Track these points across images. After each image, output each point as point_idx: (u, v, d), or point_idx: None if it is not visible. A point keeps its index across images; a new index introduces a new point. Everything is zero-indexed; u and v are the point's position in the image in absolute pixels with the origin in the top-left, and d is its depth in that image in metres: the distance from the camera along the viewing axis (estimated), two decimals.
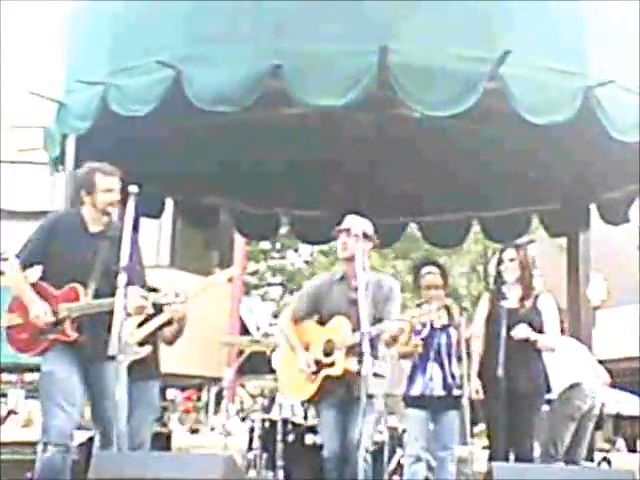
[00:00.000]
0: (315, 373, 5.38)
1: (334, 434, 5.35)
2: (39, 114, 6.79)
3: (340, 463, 5.28)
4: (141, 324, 5.84)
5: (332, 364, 5.33)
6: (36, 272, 5.03)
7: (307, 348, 5.49)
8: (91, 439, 5.60)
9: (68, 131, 6.32)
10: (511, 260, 5.93)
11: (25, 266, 5.01)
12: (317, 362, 5.39)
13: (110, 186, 4.99)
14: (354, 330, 5.17)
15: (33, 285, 4.95)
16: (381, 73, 5.41)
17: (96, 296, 4.87)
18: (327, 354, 5.37)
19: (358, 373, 4.80)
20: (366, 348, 4.78)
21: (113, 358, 4.52)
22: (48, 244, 4.98)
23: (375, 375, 5.14)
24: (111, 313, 4.65)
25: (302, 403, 7.50)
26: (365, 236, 5.41)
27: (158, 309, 5.63)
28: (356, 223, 5.47)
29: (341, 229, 5.48)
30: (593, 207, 8.22)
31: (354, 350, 5.08)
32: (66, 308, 4.86)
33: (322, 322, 5.53)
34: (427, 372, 6.03)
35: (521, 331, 5.69)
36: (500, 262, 6.02)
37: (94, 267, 4.86)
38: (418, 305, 5.86)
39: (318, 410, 5.63)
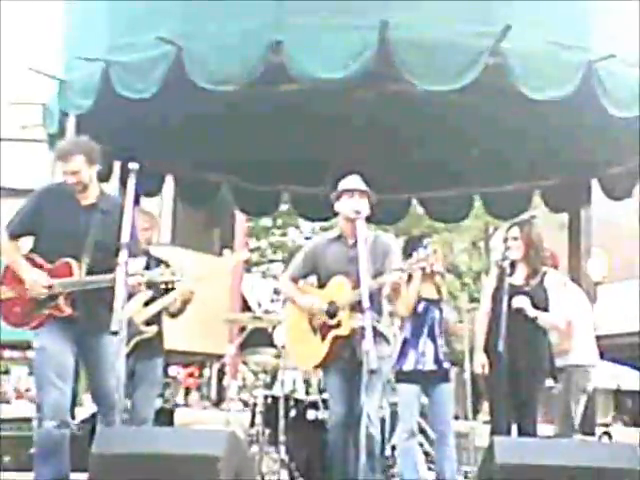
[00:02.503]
0: (323, 336, 5.35)
1: (340, 401, 5.34)
2: (41, 90, 6.77)
3: (345, 432, 5.28)
4: (147, 303, 5.85)
5: (338, 325, 5.30)
6: (27, 244, 4.99)
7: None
8: (94, 415, 5.63)
9: (70, 109, 6.30)
10: (515, 239, 5.93)
11: (15, 237, 4.96)
12: (323, 325, 5.36)
13: (63, 169, 4.91)
14: (354, 288, 5.15)
15: (25, 257, 4.92)
16: (381, 48, 5.40)
17: (89, 271, 4.83)
18: (332, 316, 5.35)
19: (363, 329, 4.76)
20: (368, 324, 4.78)
21: (115, 333, 4.47)
22: (38, 215, 4.94)
23: (379, 335, 5.15)
24: (106, 288, 4.64)
25: (304, 377, 7.54)
26: (367, 196, 5.41)
27: (165, 289, 5.64)
28: (360, 183, 5.46)
29: (346, 189, 5.44)
30: (594, 182, 8.22)
31: (357, 308, 5.04)
32: (60, 284, 4.83)
33: (321, 284, 5.51)
34: (419, 347, 6.05)
35: (518, 301, 5.71)
36: (505, 240, 6.03)
37: (87, 241, 4.82)
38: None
39: (326, 377, 5.60)
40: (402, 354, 6.08)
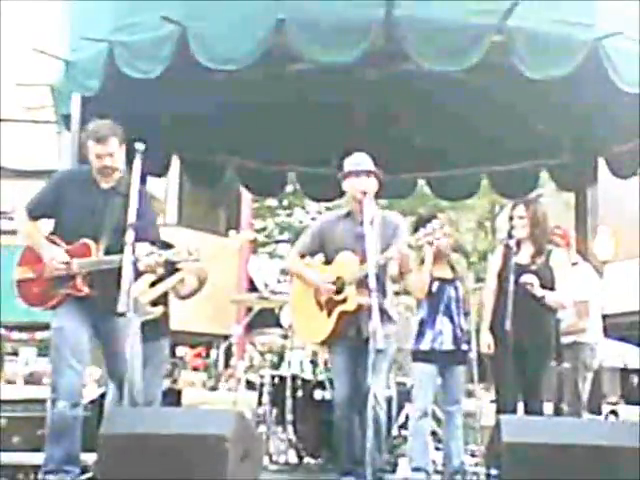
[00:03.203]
0: (329, 312, 5.35)
1: (345, 380, 5.34)
2: (45, 72, 6.75)
3: (351, 409, 5.29)
4: (153, 284, 5.86)
5: (345, 300, 5.29)
6: (47, 225, 5.05)
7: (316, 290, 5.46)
8: (102, 395, 5.66)
9: (76, 90, 6.28)
10: (520, 217, 5.92)
11: (34, 218, 5.03)
12: (329, 301, 5.35)
13: (100, 152, 4.94)
14: (361, 264, 5.14)
15: (45, 239, 4.98)
16: (387, 27, 5.36)
17: (107, 252, 4.89)
18: (338, 291, 5.33)
19: (370, 309, 4.77)
20: (375, 305, 4.78)
21: (123, 315, 4.54)
22: (58, 197, 5.00)
23: (384, 314, 5.14)
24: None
25: (311, 357, 7.55)
26: (375, 175, 5.41)
27: (171, 269, 5.65)
28: (367, 162, 5.44)
29: (353, 170, 5.41)
30: (601, 161, 8.19)
31: (364, 284, 5.03)
32: (78, 263, 4.88)
33: (328, 261, 5.49)
34: (436, 326, 6.04)
35: (527, 279, 5.71)
36: (511, 218, 6.02)
37: (105, 223, 4.88)
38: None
39: (331, 355, 5.60)
40: (419, 334, 6.08)
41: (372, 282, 4.86)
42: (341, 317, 5.31)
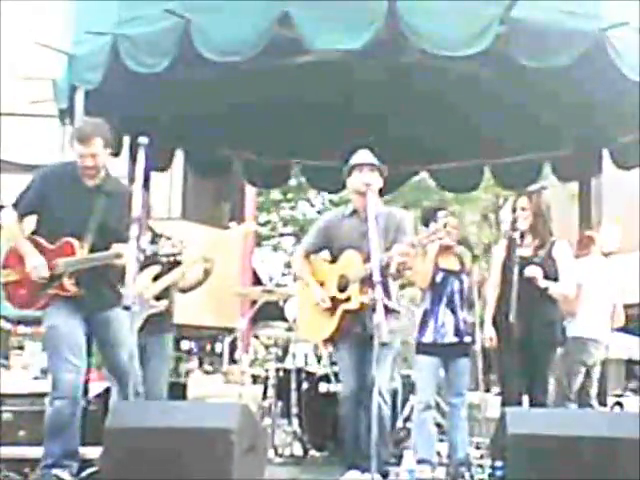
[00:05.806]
0: (333, 310, 5.37)
1: (352, 374, 5.36)
2: (52, 65, 6.74)
3: (357, 404, 5.30)
4: (156, 278, 5.87)
5: (348, 299, 5.31)
6: (30, 224, 5.00)
7: (322, 286, 5.47)
8: (107, 390, 5.67)
9: (79, 83, 6.27)
10: (523, 209, 5.91)
11: (21, 215, 4.98)
12: (333, 299, 5.37)
13: (82, 152, 4.89)
14: (365, 262, 5.15)
15: (28, 239, 4.94)
16: (390, 18, 5.34)
17: (92, 250, 4.85)
18: (342, 290, 5.35)
19: (374, 302, 4.78)
20: (379, 294, 4.78)
21: (128, 308, 4.50)
22: (43, 195, 4.94)
23: (389, 310, 5.14)
24: (108, 267, 4.74)
25: (315, 350, 7.55)
26: (378, 170, 5.41)
27: (173, 263, 5.64)
28: (370, 157, 5.47)
29: (357, 164, 5.44)
30: (605, 152, 8.17)
31: (367, 283, 5.04)
32: (63, 263, 4.84)
33: (333, 259, 5.52)
34: (439, 318, 6.04)
35: (530, 270, 5.70)
36: (514, 210, 6.02)
37: (89, 222, 4.83)
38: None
39: (336, 350, 5.61)
40: (422, 325, 6.08)
41: (376, 275, 4.86)
42: (344, 315, 5.33)
